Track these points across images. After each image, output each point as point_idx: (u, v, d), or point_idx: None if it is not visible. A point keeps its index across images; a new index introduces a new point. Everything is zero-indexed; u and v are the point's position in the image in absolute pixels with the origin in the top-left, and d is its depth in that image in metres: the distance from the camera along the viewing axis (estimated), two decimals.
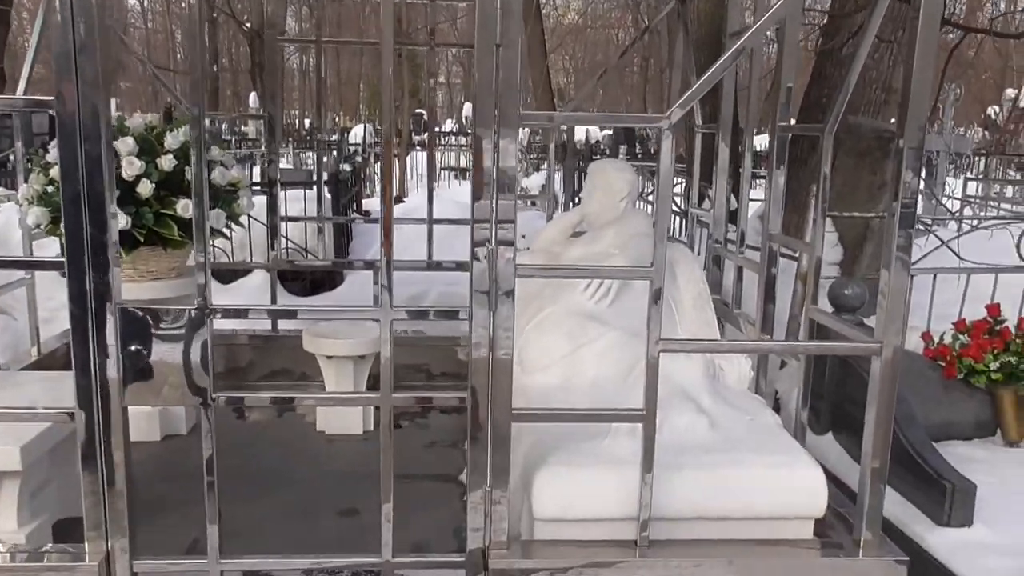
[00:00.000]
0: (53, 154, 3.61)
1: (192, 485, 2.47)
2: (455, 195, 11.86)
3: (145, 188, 3.57)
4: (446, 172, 15.12)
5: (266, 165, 4.75)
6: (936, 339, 4.16)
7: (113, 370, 2.21)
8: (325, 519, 3.33)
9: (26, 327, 4.20)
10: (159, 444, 4.02)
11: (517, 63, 2.12)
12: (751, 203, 4.99)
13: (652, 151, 14.57)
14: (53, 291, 5.05)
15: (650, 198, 7.40)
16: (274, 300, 4.89)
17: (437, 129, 16.77)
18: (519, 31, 2.11)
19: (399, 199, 11.42)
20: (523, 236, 7.04)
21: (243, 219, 4.20)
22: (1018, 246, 4.42)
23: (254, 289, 5.45)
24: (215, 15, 24.72)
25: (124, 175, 3.55)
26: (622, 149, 11.90)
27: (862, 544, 2.46)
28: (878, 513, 2.45)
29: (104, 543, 2.30)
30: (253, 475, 3.69)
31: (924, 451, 3.31)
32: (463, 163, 16.76)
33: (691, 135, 4.61)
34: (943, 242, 4.54)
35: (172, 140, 3.69)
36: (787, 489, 2.54)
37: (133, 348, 2.23)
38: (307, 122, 21.23)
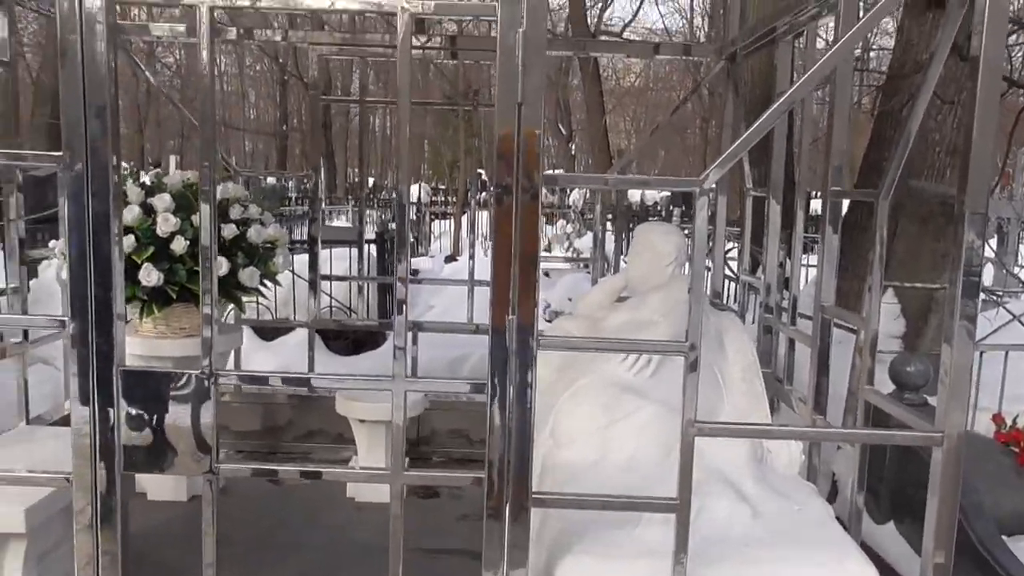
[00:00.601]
0: None
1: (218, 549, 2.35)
2: None
3: (179, 245, 3.53)
4: None
5: (332, 224, 4.72)
6: (1009, 422, 3.84)
7: (112, 434, 2.11)
8: None
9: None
10: (185, 505, 3.92)
11: (540, 121, 2.00)
12: (807, 270, 4.78)
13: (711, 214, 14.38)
14: None
15: (708, 263, 7.19)
16: (311, 360, 4.80)
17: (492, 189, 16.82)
18: (542, 88, 1.99)
19: (452, 258, 11.39)
20: (570, 299, 6.91)
21: (285, 277, 4.15)
22: None
23: (295, 347, 5.37)
24: (285, 78, 25.62)
25: (159, 231, 3.53)
26: (676, 212, 11.70)
27: None
28: None
29: None
30: (279, 540, 3.56)
31: (993, 546, 3.00)
32: None
33: (743, 198, 4.43)
34: (1015, 316, 4.23)
35: None
36: None
37: (135, 413, 2.13)
38: (371, 181, 21.59)
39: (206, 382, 2.13)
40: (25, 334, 3.79)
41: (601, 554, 2.30)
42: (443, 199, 17.19)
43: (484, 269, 4.87)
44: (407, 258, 2.17)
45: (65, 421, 3.93)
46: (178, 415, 2.15)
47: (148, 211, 3.59)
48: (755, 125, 2.05)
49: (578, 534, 2.39)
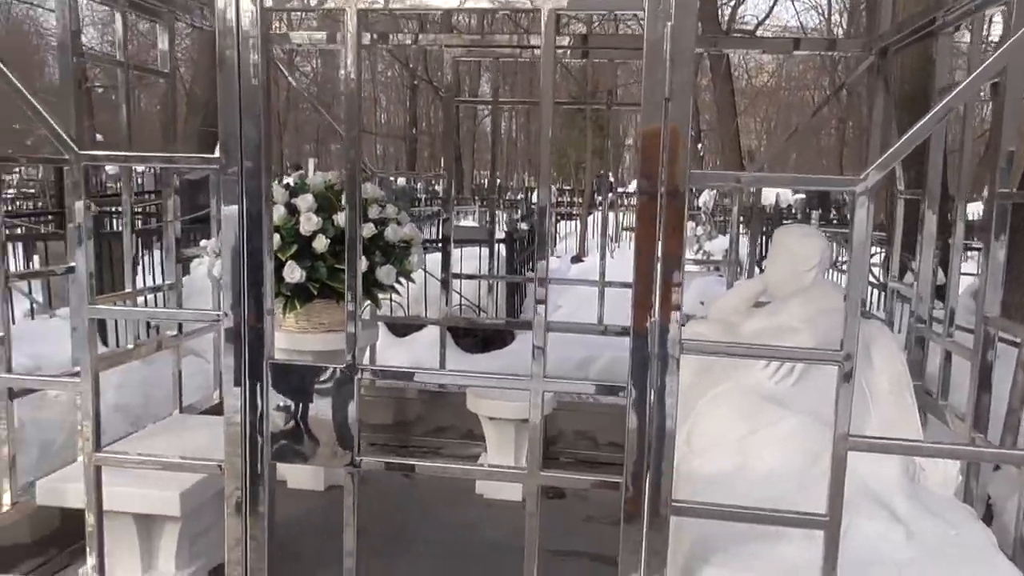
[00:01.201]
0: None
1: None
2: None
3: (321, 243, 3.65)
4: (627, 233, 14.93)
5: (442, 223, 4.80)
6: None
7: (262, 424, 2.19)
8: None
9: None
10: (322, 494, 4.05)
11: (688, 118, 1.94)
12: (962, 278, 4.47)
13: (848, 217, 13.74)
14: None
15: (844, 267, 6.87)
16: (443, 357, 4.87)
17: (620, 190, 16.70)
18: (690, 84, 1.92)
19: (578, 259, 11.36)
20: (702, 303, 6.74)
21: (419, 275, 4.23)
22: None
23: (426, 344, 5.48)
24: (415, 82, 26.29)
25: (302, 230, 3.66)
26: (814, 214, 11.24)
27: None
28: None
29: None
30: (410, 535, 3.63)
31: None
32: None
33: (892, 201, 4.19)
34: None
35: None
36: None
37: (282, 404, 2.20)
38: (497, 181, 21.78)
39: (350, 376, 2.18)
40: (179, 327, 4.02)
41: (741, 568, 2.22)
42: (569, 200, 17.20)
43: (614, 270, 4.85)
44: (547, 258, 2.15)
45: (214, 410, 4.16)
46: (322, 407, 2.21)
47: (292, 211, 3.72)
48: (921, 122, 1.91)
49: (715, 546, 2.31)
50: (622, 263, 5.39)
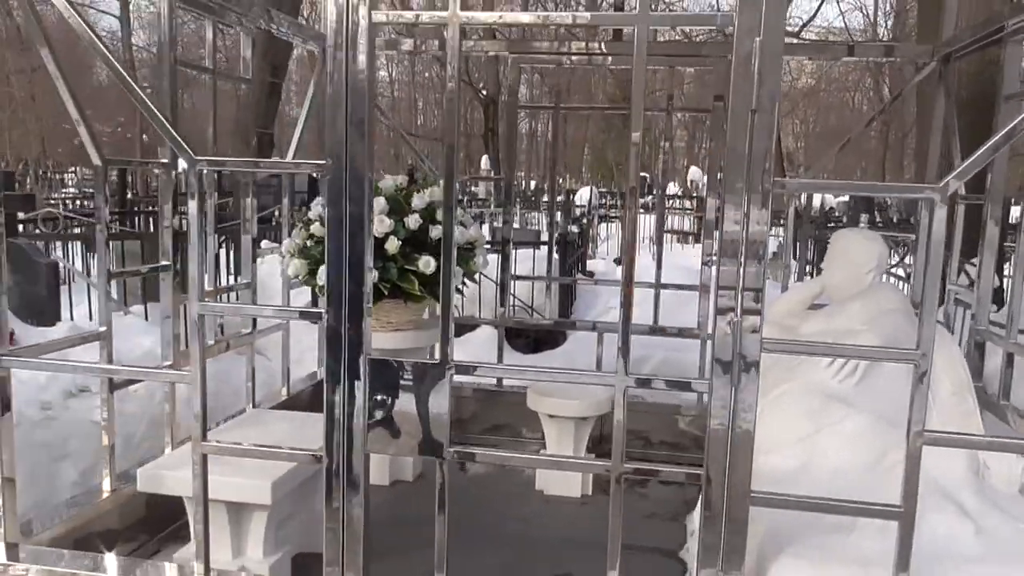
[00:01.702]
0: (314, 211, 3.94)
1: (415, 531, 2.53)
2: (678, 259, 11.67)
3: (392, 245, 3.78)
4: (668, 235, 14.97)
5: (500, 225, 4.92)
6: None
7: (359, 417, 2.32)
8: None
9: (279, 368, 4.59)
10: (388, 489, 4.19)
11: (772, 129, 2.04)
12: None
13: (894, 220, 13.64)
14: (302, 335, 5.50)
15: (899, 271, 6.88)
16: (500, 357, 5.00)
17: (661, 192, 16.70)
18: (776, 97, 2.02)
19: (619, 260, 11.43)
20: None
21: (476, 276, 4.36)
22: None
23: (480, 343, 5.61)
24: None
25: (375, 232, 3.79)
26: (863, 217, 11.22)
27: None
28: None
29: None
30: (469, 528, 3.72)
31: None
32: (686, 227, 16.55)
33: (952, 205, 4.23)
34: None
35: (419, 200, 3.90)
36: None
37: (379, 398, 2.33)
38: (532, 184, 21.93)
39: (443, 371, 2.30)
40: (254, 324, 4.19)
41: (815, 559, 2.31)
42: (610, 202, 17.26)
43: (664, 272, 4.94)
44: (632, 260, 2.26)
45: (283, 405, 4.32)
46: (416, 401, 2.33)
47: None
48: (1006, 129, 1.99)
49: (787, 539, 2.40)
50: (667, 267, 5.49)
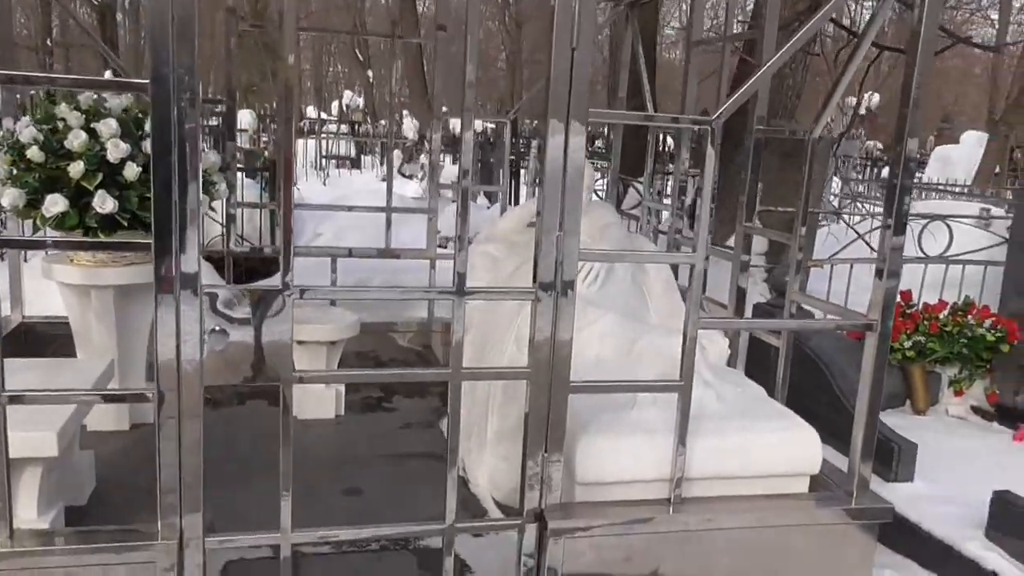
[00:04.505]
0: (26, 134, 3.48)
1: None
2: (350, 184, 11.82)
3: (131, 171, 3.49)
4: (325, 160, 14.91)
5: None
6: None
7: (195, 352, 2.25)
8: (331, 498, 3.40)
9: None
10: (128, 433, 3.94)
11: (588, 64, 2.34)
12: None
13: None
14: None
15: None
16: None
17: (314, 117, 16.47)
18: (594, 33, 2.31)
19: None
20: None
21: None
22: (918, 240, 5.05)
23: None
24: None
25: (109, 158, 3.47)
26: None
27: (855, 494, 2.84)
28: (867, 468, 2.84)
29: (178, 520, 2.32)
30: (241, 461, 3.68)
31: None
32: (343, 151, 16.55)
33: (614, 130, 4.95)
34: (859, 235, 5.11)
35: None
36: (789, 449, 2.89)
37: (215, 328, 2.28)
38: None
39: (285, 298, 2.31)
40: None
41: (614, 432, 2.75)
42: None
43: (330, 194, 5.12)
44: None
45: None
46: (255, 329, 2.32)
47: (92, 135, 3.50)
48: (765, 67, 2.48)
49: (587, 419, 2.81)
50: (342, 191, 5.59)
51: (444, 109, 4.89)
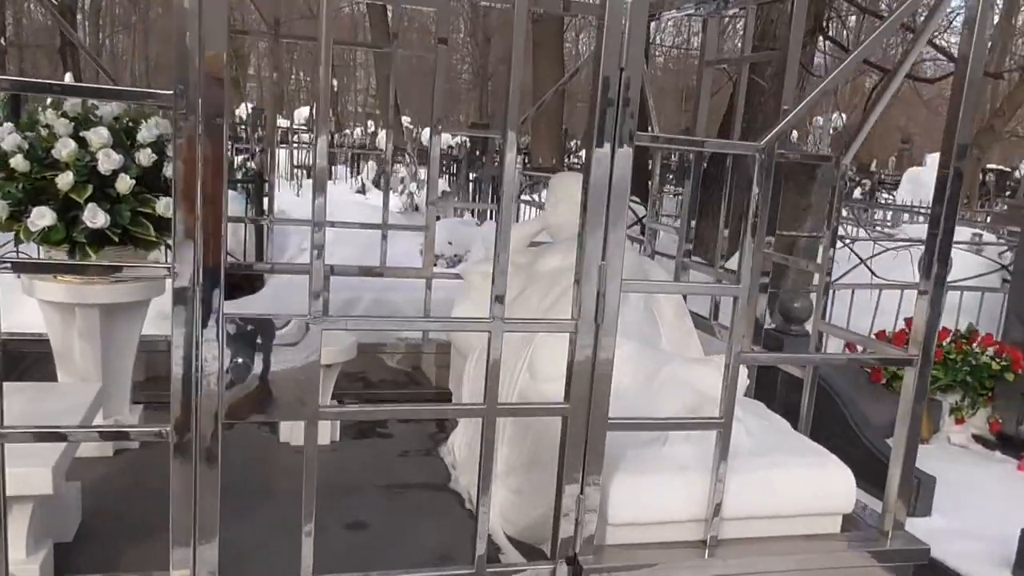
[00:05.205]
0: (8, 142, 3.27)
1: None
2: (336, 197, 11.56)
3: (124, 184, 3.30)
4: (299, 171, 14.66)
5: None
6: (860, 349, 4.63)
7: (215, 384, 2.08)
8: (333, 533, 3.22)
9: None
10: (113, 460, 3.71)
11: (638, 84, 2.22)
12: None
13: None
14: None
15: None
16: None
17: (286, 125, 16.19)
18: (641, 56, 2.20)
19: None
20: (450, 243, 7.06)
21: None
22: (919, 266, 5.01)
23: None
24: None
25: (100, 169, 3.27)
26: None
27: (890, 535, 2.74)
28: (903, 507, 2.75)
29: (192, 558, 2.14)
30: (235, 491, 3.48)
31: (884, 449, 3.69)
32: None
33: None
34: (861, 260, 5.06)
35: (147, 133, 3.43)
36: (823, 486, 2.79)
37: (240, 361, 2.10)
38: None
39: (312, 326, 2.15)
40: None
41: (644, 471, 2.62)
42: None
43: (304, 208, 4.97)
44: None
45: None
46: (281, 363, 2.15)
47: (82, 145, 3.30)
48: (808, 99, 2.38)
49: (613, 454, 2.68)
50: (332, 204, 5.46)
51: (439, 127, 4.74)
